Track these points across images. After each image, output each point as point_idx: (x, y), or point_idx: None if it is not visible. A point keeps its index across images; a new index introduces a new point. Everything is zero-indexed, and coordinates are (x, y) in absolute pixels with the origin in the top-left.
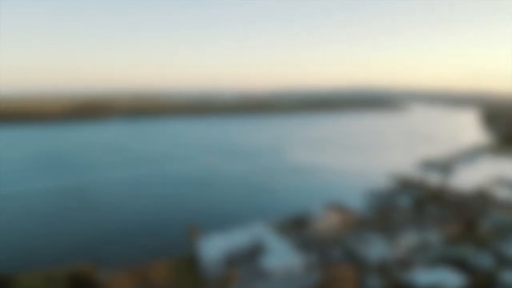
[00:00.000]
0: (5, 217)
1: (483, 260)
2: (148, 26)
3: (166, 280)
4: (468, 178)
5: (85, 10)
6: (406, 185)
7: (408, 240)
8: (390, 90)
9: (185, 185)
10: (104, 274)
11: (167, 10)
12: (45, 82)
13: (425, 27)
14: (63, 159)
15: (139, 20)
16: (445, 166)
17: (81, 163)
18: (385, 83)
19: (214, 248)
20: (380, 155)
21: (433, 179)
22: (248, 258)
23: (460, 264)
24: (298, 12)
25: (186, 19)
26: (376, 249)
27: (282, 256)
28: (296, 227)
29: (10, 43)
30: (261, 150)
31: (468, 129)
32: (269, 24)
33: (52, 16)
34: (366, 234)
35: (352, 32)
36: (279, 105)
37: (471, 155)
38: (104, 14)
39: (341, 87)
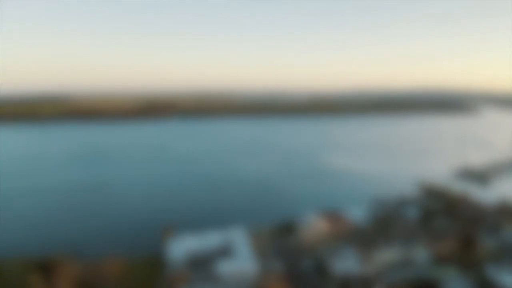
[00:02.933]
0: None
1: (459, 286)
2: (217, 26)
3: (117, 276)
4: (507, 190)
5: (150, 11)
6: (430, 194)
7: (386, 255)
8: (464, 92)
9: (204, 185)
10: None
11: (235, 8)
12: (116, 81)
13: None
14: (103, 156)
15: (206, 19)
16: (483, 175)
17: (117, 161)
18: (460, 85)
19: (179, 248)
20: (424, 161)
21: (461, 188)
22: (207, 261)
23: None
24: (370, 12)
25: (257, 18)
26: (345, 263)
27: (240, 263)
28: (283, 233)
29: (82, 44)
30: (302, 152)
31: None
32: (341, 24)
33: (120, 15)
34: (343, 246)
35: (424, 32)
36: (348, 105)
37: None
38: (170, 14)
39: (415, 89)
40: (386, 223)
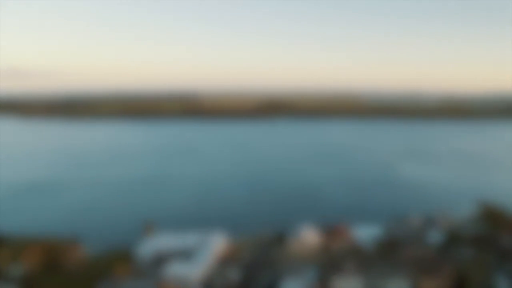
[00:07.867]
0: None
1: None
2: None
3: (78, 262)
4: None
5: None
6: (483, 216)
7: (345, 284)
8: None
9: (253, 187)
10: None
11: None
12: (242, 81)
13: None
14: (190, 152)
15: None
16: None
17: (198, 157)
18: None
19: (150, 245)
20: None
21: None
22: (164, 260)
23: None
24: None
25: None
26: (293, 283)
27: (188, 266)
28: (273, 242)
29: (208, 45)
30: (385, 159)
31: None
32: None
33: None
34: (306, 265)
35: None
36: (485, 109)
37: None
38: (293, 15)
39: None
40: (393, 246)
